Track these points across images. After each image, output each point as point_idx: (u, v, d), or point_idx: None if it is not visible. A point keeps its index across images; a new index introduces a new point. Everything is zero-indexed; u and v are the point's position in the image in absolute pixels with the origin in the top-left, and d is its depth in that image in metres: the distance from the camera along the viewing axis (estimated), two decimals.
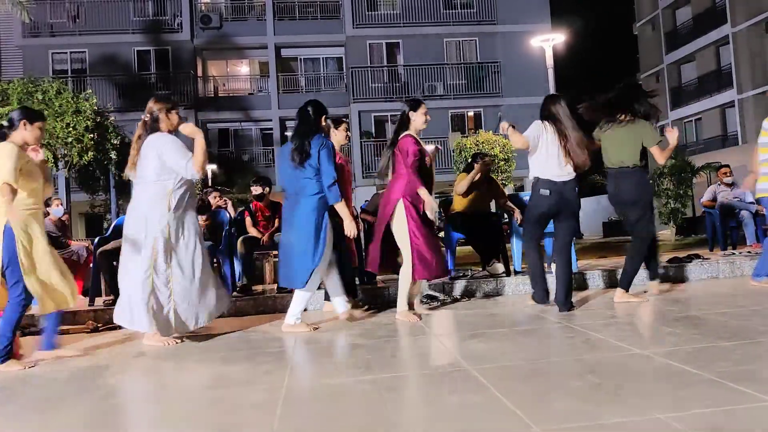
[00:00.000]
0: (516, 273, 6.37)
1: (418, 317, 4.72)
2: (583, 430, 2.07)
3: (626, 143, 4.92)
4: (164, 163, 4.23)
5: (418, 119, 4.80)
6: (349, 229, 4.51)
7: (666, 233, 16.23)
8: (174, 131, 4.44)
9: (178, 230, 4.29)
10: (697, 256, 7.03)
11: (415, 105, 4.84)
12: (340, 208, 4.47)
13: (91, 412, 2.69)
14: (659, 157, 4.94)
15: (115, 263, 6.13)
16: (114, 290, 6.00)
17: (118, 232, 6.57)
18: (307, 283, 4.46)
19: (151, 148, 4.28)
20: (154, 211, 4.23)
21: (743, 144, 25.42)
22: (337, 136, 5.31)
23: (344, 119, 5.63)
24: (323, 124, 4.67)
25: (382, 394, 2.65)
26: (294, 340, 4.15)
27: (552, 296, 4.85)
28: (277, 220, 6.62)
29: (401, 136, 4.77)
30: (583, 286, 6.09)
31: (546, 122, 4.82)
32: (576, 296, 5.50)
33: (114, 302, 5.84)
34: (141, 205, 4.29)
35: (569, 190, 4.77)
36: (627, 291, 4.96)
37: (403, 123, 4.81)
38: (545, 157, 4.77)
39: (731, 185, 8.71)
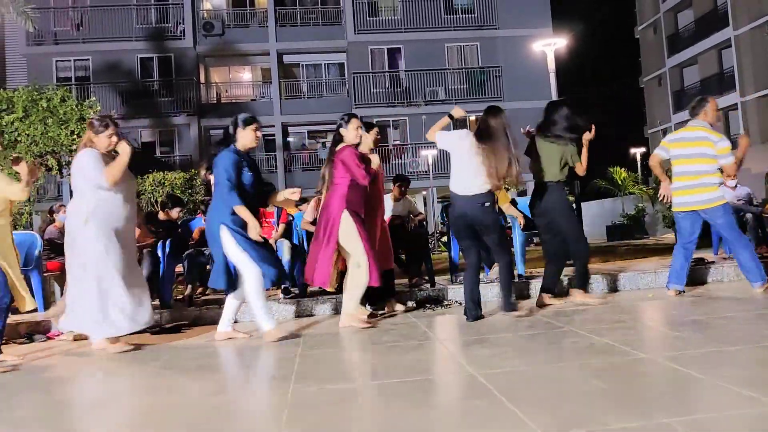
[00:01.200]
0: (520, 277, 6.36)
1: (370, 323, 4.80)
2: None
3: (551, 159, 5.01)
4: (84, 177, 4.38)
5: (349, 134, 4.92)
6: (253, 232, 4.45)
7: (670, 236, 16.19)
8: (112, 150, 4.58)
9: (102, 241, 4.33)
10: (702, 260, 7.01)
11: (346, 120, 4.97)
12: (240, 210, 4.42)
13: (97, 418, 2.70)
14: (580, 170, 5.14)
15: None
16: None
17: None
18: (230, 286, 4.55)
19: (74, 164, 4.51)
20: (80, 222, 4.36)
21: None
22: (367, 140, 5.28)
23: (375, 123, 5.61)
24: (241, 133, 4.62)
25: (388, 400, 2.66)
26: (299, 345, 4.15)
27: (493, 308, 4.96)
28: (281, 226, 6.64)
29: (338, 147, 4.92)
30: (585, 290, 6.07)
31: (470, 134, 4.76)
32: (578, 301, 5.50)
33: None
34: (73, 216, 4.44)
35: (474, 205, 4.67)
36: (585, 292, 5.29)
37: (337, 139, 4.97)
38: (457, 169, 4.77)
39: (735, 188, 8.70)
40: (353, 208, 4.79)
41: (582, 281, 5.26)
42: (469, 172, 4.68)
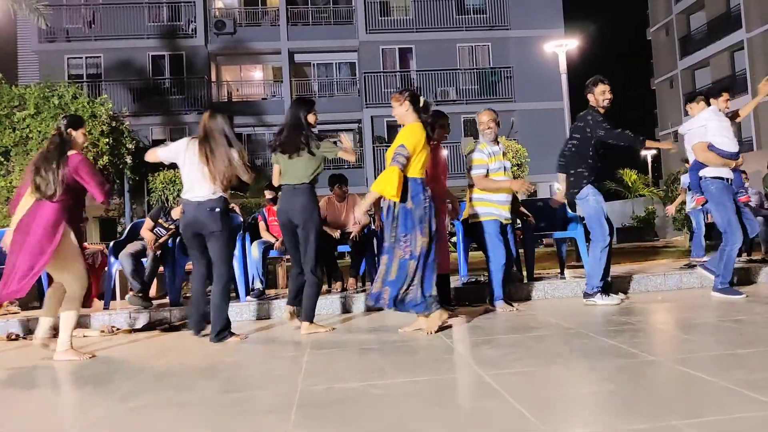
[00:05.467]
0: (529, 279, 6.35)
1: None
2: None
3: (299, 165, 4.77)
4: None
5: (80, 139, 4.47)
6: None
7: (680, 239, 16.11)
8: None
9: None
10: None
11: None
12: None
13: (109, 415, 2.71)
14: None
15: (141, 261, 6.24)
16: (140, 291, 6.08)
17: (133, 235, 6.65)
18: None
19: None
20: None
21: (758, 149, 25.21)
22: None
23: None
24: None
25: (396, 400, 2.66)
26: (308, 345, 4.16)
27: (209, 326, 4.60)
28: None
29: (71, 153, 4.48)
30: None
31: (195, 142, 4.58)
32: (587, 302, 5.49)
33: (144, 299, 5.95)
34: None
35: (203, 211, 4.47)
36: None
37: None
38: (185, 177, 4.60)
39: (747, 190, 8.63)
40: (73, 222, 4.33)
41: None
42: (197, 178, 4.50)
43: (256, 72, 27.83)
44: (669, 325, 4.26)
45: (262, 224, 6.77)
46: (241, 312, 5.74)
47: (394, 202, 4.35)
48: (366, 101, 24.86)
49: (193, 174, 4.51)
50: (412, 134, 4.36)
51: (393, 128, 24.61)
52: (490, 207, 5.23)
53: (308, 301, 4.70)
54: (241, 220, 7.02)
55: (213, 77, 25.80)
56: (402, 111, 4.50)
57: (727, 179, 5.31)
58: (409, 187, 4.35)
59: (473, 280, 6.51)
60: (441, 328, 4.36)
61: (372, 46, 25.43)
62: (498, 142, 5.36)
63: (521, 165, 17.80)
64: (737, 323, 3.99)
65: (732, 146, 5.31)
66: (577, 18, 29.48)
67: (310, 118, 4.86)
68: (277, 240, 6.53)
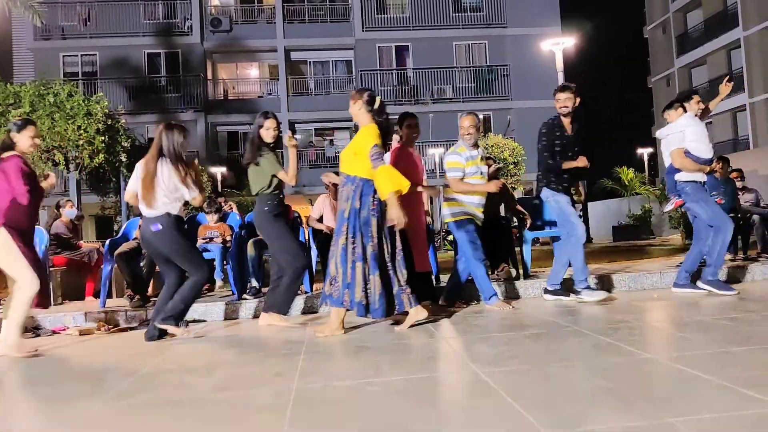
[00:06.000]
0: (526, 277, 6.36)
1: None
2: None
3: (251, 177, 4.94)
4: None
5: (22, 142, 4.46)
6: None
7: (675, 237, 16.15)
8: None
9: None
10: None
11: (19, 125, 4.51)
12: None
13: (104, 413, 2.71)
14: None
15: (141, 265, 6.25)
16: (136, 290, 6.06)
17: (129, 233, 6.65)
18: None
19: None
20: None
21: (754, 148, 25.27)
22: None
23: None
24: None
25: (392, 397, 2.66)
26: (303, 343, 4.15)
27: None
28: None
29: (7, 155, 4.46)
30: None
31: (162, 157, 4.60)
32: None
33: (141, 300, 5.94)
34: None
35: (146, 228, 4.54)
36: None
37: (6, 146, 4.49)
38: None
39: (742, 189, 8.65)
40: (14, 224, 4.35)
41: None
42: (141, 195, 4.54)
43: (252, 70, 27.81)
44: (664, 323, 4.26)
45: None
46: (237, 310, 5.74)
47: (350, 203, 4.32)
48: None
49: (140, 190, 4.54)
50: (372, 134, 4.33)
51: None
52: (464, 207, 5.25)
53: (282, 293, 4.88)
54: (239, 218, 7.01)
55: (209, 75, 25.77)
56: (356, 110, 4.47)
57: (702, 182, 5.45)
58: (359, 186, 4.32)
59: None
60: (418, 324, 4.42)
61: (368, 44, 25.43)
62: (477, 147, 5.35)
63: (517, 163, 17.84)
64: (732, 321, 3.99)
65: (707, 153, 5.39)
66: (573, 16, 29.53)
67: (262, 132, 4.99)
68: None
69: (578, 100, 5.32)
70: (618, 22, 43.73)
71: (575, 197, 5.53)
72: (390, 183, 4.23)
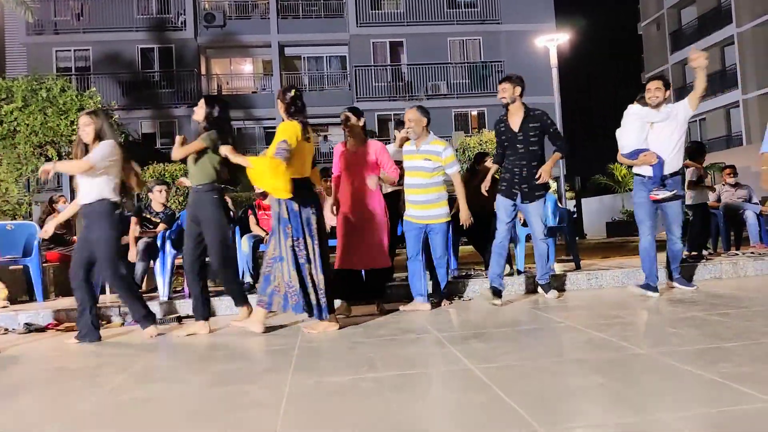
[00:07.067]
0: (519, 273, 6.37)
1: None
2: (586, 430, 2.08)
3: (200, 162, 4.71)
4: None
5: None
6: None
7: None
8: None
9: None
10: (701, 257, 7.03)
11: None
12: None
13: (98, 408, 2.70)
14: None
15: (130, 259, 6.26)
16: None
17: (122, 228, 6.62)
18: None
19: None
20: None
21: (747, 144, 25.36)
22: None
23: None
24: None
25: (386, 393, 2.66)
26: (298, 339, 4.15)
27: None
28: None
29: None
30: (584, 286, 6.08)
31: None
32: (577, 296, 5.51)
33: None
34: None
35: (83, 213, 4.58)
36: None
37: None
38: None
39: (735, 186, 8.68)
40: None
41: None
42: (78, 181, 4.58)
43: (246, 65, 27.71)
44: (658, 319, 4.28)
45: (252, 218, 6.75)
46: (232, 306, 5.72)
47: (284, 202, 4.30)
48: (357, 95, 24.79)
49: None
50: (290, 131, 4.31)
51: (384, 122, 24.62)
52: (408, 208, 5.26)
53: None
54: (232, 213, 7.00)
55: (203, 70, 25.67)
56: (279, 108, 4.50)
57: (648, 177, 5.23)
58: (295, 187, 4.29)
59: (464, 274, 6.52)
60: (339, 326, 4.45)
61: (363, 40, 25.37)
62: (427, 141, 5.23)
63: None
64: (724, 317, 4.01)
65: (626, 147, 5.26)
66: (568, 12, 29.53)
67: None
68: (267, 234, 6.50)
69: (518, 90, 5.16)
70: (612, 19, 43.76)
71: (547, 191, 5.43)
72: (265, 178, 4.22)
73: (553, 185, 28.82)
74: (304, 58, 26.74)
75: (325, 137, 26.34)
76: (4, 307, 6.09)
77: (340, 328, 4.44)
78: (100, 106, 10.79)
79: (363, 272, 5.25)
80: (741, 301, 4.76)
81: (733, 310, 4.26)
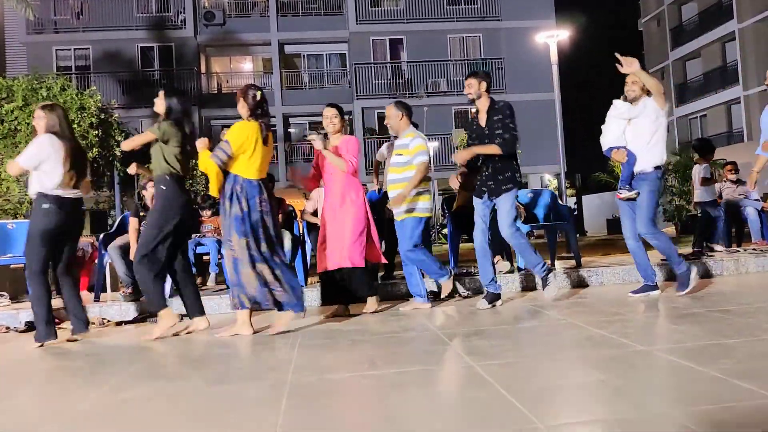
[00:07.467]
0: (519, 270, 6.37)
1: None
2: (587, 426, 2.08)
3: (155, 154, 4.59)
4: None
5: None
6: None
7: (670, 230, 16.20)
8: None
9: None
10: (701, 254, 7.02)
11: None
12: None
13: (98, 407, 2.70)
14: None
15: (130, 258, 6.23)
16: (132, 283, 6.05)
17: (122, 227, 6.62)
18: None
19: None
20: None
21: (749, 141, 25.33)
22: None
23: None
24: None
25: (386, 390, 2.66)
26: (298, 336, 4.15)
27: None
28: (280, 217, 6.63)
29: None
30: (584, 283, 6.08)
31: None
32: (577, 293, 5.51)
33: (134, 293, 5.90)
34: None
35: (77, 209, 4.58)
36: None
37: None
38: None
39: (736, 182, 8.68)
40: None
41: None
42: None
43: (245, 63, 27.70)
44: (658, 315, 4.27)
45: None
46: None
47: (236, 202, 4.25)
48: (357, 92, 24.78)
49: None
50: (239, 132, 4.26)
51: (384, 119, 24.57)
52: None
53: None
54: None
55: (203, 69, 25.66)
56: (239, 107, 4.43)
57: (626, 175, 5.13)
58: (244, 188, 4.26)
59: (464, 271, 6.52)
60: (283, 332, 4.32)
61: (362, 37, 25.35)
62: (397, 137, 5.20)
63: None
64: (726, 313, 4.01)
65: (604, 145, 5.22)
66: (568, 9, 29.50)
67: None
68: None
69: (483, 85, 4.96)
70: (612, 15, 43.70)
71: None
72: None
73: (554, 182, 28.83)
74: (303, 55, 26.72)
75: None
76: (6, 305, 6.11)
77: (331, 316, 4.43)
78: (100, 104, 10.79)
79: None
80: (742, 297, 4.75)
81: (735, 307, 4.25)
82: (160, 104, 4.61)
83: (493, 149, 4.84)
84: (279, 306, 4.33)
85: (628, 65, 4.79)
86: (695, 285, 4.95)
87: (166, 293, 4.82)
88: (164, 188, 4.48)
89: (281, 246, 4.45)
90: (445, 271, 5.25)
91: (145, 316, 5.52)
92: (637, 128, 5.01)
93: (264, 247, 4.27)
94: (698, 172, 7.75)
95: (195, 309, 4.67)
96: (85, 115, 10.15)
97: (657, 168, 4.98)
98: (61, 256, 4.53)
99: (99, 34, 23.87)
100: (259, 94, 4.41)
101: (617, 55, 4.81)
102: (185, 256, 4.74)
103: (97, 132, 10.34)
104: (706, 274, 6.20)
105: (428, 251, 5.51)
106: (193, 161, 4.86)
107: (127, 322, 5.42)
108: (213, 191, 4.30)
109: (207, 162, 4.26)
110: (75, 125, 10.10)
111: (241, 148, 4.25)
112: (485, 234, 4.99)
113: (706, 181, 7.72)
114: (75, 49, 24.21)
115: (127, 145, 4.62)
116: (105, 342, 4.55)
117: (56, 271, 4.57)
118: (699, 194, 7.75)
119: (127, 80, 23.60)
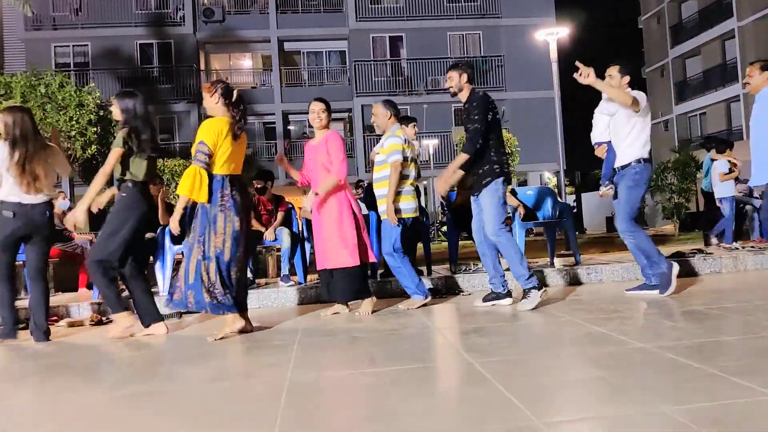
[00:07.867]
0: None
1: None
2: (586, 423, 2.08)
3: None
4: None
5: None
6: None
7: (669, 228, 16.21)
8: None
9: None
10: (701, 251, 7.03)
11: None
12: None
13: (98, 404, 2.70)
14: None
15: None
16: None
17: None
18: None
19: None
20: None
21: (748, 138, 25.32)
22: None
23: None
24: None
25: (385, 387, 2.66)
26: (298, 333, 4.15)
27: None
28: (279, 214, 6.63)
29: None
30: (583, 280, 6.08)
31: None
32: (576, 290, 5.52)
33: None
34: None
35: (37, 213, 4.63)
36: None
37: None
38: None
39: (736, 180, 8.68)
40: None
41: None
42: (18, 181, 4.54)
43: (245, 60, 27.68)
44: (657, 313, 4.27)
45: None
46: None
47: (203, 205, 4.18)
48: (356, 90, 24.77)
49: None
50: (210, 129, 4.16)
51: None
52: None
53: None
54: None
55: (202, 66, 25.64)
56: (212, 103, 4.29)
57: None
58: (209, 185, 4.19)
59: (463, 269, 6.52)
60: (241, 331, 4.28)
61: (362, 35, 25.33)
62: (388, 134, 5.11)
63: (511, 154, 17.81)
64: (724, 311, 4.01)
65: (592, 140, 5.24)
66: (568, 6, 29.48)
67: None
68: (266, 229, 6.50)
69: (464, 77, 4.86)
70: (612, 12, 43.68)
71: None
72: (189, 187, 4.11)
73: (553, 180, 28.83)
74: (303, 53, 26.70)
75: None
76: None
77: (330, 314, 4.42)
78: (99, 101, 10.78)
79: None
80: (741, 295, 4.75)
81: (733, 304, 4.25)
82: (115, 111, 4.52)
83: (460, 158, 4.71)
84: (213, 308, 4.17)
85: (584, 77, 4.66)
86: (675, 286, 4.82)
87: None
88: (124, 195, 4.45)
89: (246, 245, 4.31)
90: (422, 291, 5.05)
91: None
92: (615, 125, 5.00)
93: (216, 244, 4.14)
94: (716, 167, 7.87)
95: (149, 314, 4.54)
96: (84, 111, 10.15)
97: (637, 162, 4.85)
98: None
99: (98, 31, 23.85)
100: (225, 86, 4.32)
101: (577, 64, 4.69)
102: (138, 261, 4.65)
103: (96, 129, 10.34)
104: (706, 272, 6.21)
105: (411, 259, 5.42)
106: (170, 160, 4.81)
107: None
108: (203, 197, 4.12)
109: (189, 175, 4.12)
110: (74, 122, 10.10)
111: (215, 145, 4.14)
112: (481, 232, 4.92)
113: (726, 176, 7.83)
114: (74, 46, 24.19)
115: (105, 176, 4.45)
116: (104, 339, 4.54)
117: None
118: (719, 190, 7.86)
119: (126, 77, 23.57)
